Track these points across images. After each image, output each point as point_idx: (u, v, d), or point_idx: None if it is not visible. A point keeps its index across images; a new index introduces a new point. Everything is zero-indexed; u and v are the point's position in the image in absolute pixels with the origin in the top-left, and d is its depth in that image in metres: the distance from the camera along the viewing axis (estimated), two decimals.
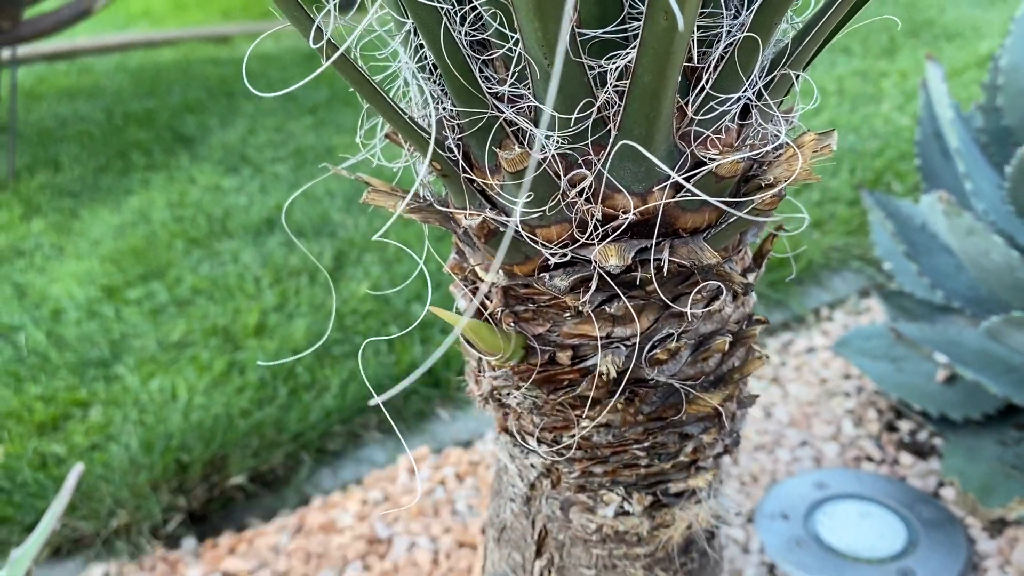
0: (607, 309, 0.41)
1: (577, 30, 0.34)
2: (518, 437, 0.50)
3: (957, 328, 1.08)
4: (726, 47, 0.35)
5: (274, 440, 1.18)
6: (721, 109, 0.36)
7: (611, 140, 0.36)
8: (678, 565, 0.55)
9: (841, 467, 1.08)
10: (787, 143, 0.39)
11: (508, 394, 0.47)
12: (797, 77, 0.39)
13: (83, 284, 1.66)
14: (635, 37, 0.34)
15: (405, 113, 0.38)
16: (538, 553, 0.55)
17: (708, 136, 0.37)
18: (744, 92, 0.36)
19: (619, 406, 0.45)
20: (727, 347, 0.45)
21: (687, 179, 0.36)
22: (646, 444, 0.47)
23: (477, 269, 0.44)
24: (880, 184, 1.74)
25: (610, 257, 0.38)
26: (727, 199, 0.37)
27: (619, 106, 0.35)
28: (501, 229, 0.39)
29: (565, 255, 0.39)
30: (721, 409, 0.47)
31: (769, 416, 1.20)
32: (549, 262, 0.40)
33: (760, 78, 0.37)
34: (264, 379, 1.31)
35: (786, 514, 1.00)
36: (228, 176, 2.10)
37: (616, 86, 0.35)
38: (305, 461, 1.18)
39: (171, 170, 2.13)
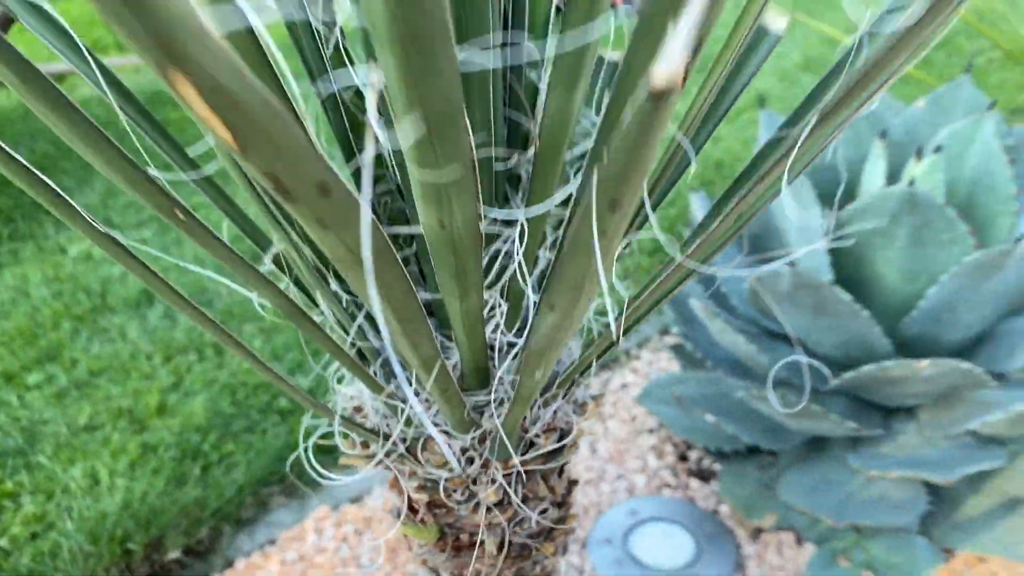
0: (488, 513, 0.71)
1: (463, 393, 0.63)
2: None
3: (727, 385, 1.45)
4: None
5: (198, 516, 1.42)
6: (541, 420, 0.67)
7: (488, 441, 0.65)
8: None
9: (648, 495, 1.44)
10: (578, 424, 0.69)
11: (430, 555, 0.77)
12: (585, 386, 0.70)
13: None
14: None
15: (370, 429, 0.66)
16: None
17: (536, 431, 0.67)
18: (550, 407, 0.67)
19: (498, 558, 0.75)
20: (556, 514, 0.76)
21: (525, 457, 0.67)
22: (512, 571, 0.78)
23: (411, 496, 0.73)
24: (673, 232, 2.12)
25: (490, 497, 0.67)
26: (546, 453, 0.68)
27: (494, 429, 0.64)
28: (429, 484, 0.68)
29: (465, 493, 0.69)
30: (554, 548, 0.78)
31: (594, 452, 1.55)
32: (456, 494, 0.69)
33: (558, 398, 0.68)
34: (176, 457, 1.53)
35: (609, 539, 1.34)
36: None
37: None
38: (226, 532, 1.42)
39: (38, 239, 2.24)
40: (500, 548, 0.74)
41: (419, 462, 0.67)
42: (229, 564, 1.38)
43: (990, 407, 1.14)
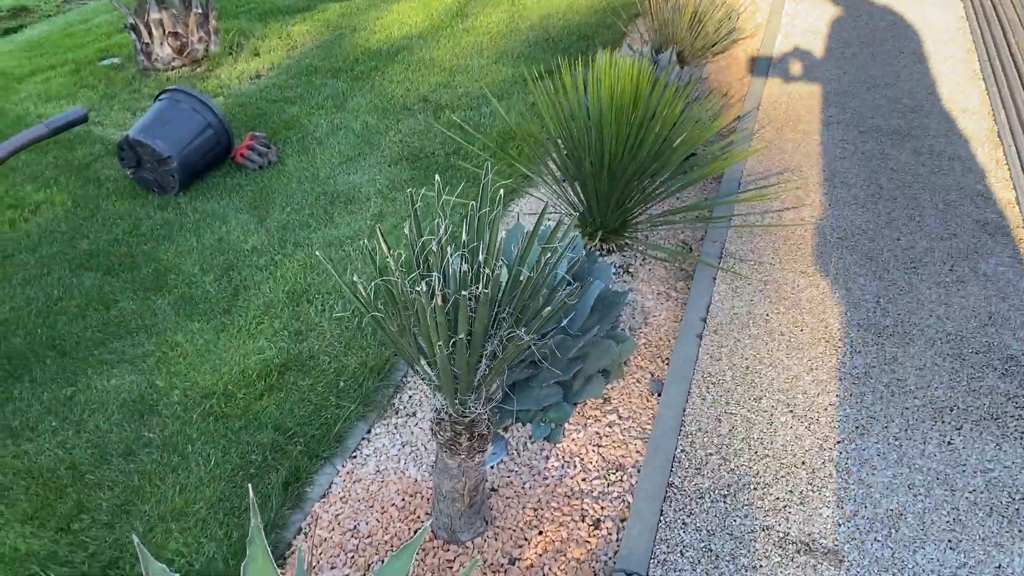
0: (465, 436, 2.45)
1: None
2: (456, 451, 2.50)
3: None
4: None
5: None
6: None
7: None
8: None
9: None
10: None
11: (458, 443, 2.48)
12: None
13: None
14: None
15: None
16: (464, 478, 2.57)
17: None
18: None
19: (472, 443, 2.49)
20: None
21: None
22: (481, 443, 2.53)
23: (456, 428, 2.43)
24: None
25: (482, 419, 2.43)
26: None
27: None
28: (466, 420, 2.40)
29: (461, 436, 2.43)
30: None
31: None
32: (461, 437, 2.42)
33: None
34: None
35: None
36: None
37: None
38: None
39: None
40: (478, 435, 2.47)
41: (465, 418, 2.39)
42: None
43: (572, 348, 3.12)
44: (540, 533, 2.73)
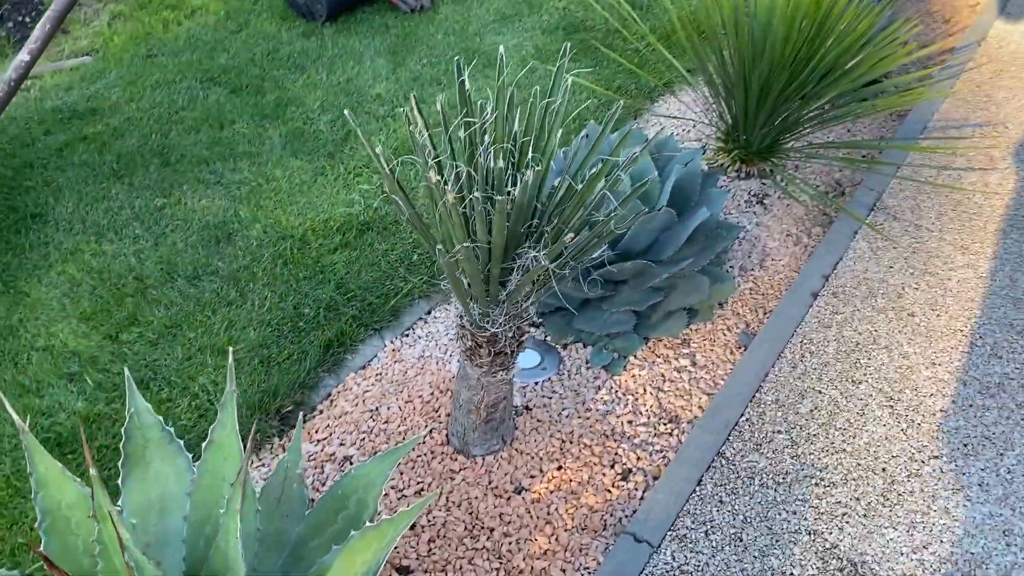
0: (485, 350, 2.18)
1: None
2: (476, 363, 2.25)
3: None
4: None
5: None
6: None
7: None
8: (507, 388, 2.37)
9: None
10: None
11: (479, 355, 2.23)
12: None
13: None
14: None
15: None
16: (483, 392, 2.33)
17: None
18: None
19: (494, 358, 2.22)
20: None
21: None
22: (501, 359, 2.26)
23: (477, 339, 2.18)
24: None
25: (506, 335, 2.15)
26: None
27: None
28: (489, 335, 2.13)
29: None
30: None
31: None
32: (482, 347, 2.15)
33: None
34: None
35: None
36: None
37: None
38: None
39: None
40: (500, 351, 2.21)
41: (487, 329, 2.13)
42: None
43: (655, 276, 2.75)
44: (560, 468, 2.48)
